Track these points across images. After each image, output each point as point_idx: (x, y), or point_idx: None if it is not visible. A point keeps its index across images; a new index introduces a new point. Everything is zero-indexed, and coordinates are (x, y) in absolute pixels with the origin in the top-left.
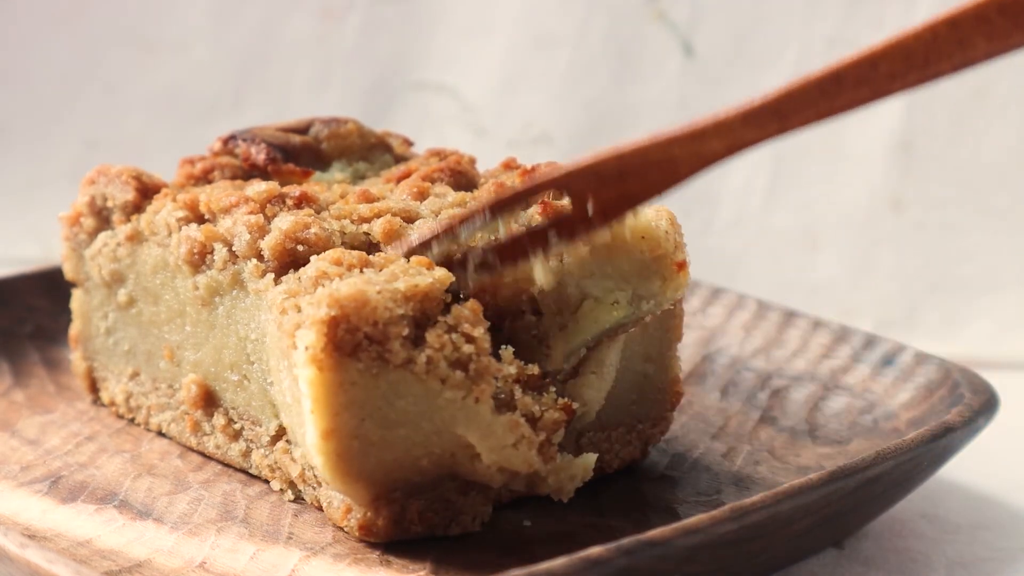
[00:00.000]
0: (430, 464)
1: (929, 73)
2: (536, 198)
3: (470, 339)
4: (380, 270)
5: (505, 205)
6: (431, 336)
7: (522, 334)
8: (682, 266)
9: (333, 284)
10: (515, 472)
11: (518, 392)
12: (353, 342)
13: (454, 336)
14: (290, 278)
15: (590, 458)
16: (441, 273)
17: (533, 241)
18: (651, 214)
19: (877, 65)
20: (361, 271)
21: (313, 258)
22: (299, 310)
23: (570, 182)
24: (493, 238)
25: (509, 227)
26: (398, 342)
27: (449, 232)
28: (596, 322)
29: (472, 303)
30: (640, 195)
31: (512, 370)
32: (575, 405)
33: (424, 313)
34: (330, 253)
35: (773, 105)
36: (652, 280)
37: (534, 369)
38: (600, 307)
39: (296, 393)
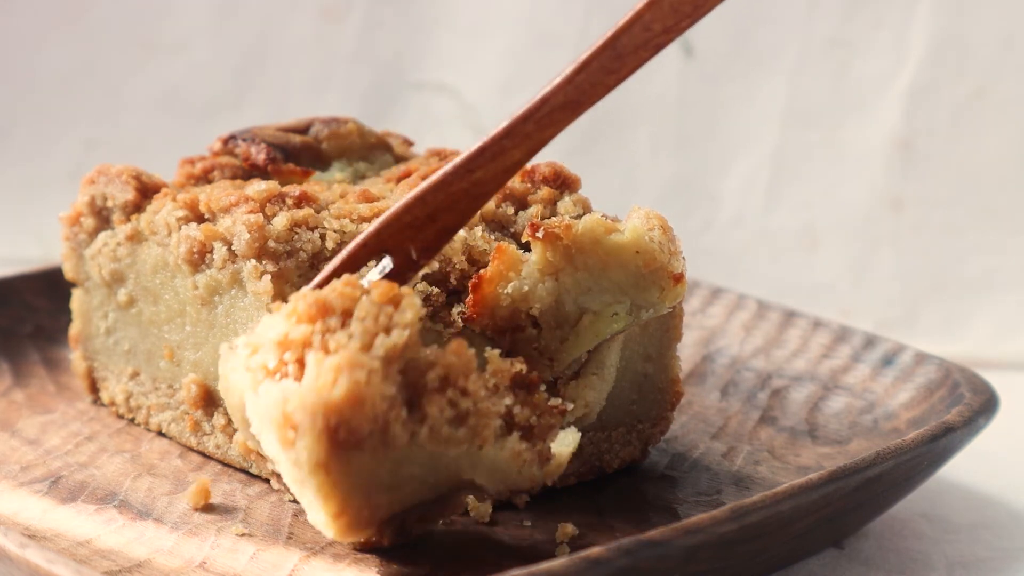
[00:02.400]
0: (434, 495)
1: (700, 14)
2: (361, 262)
3: (465, 392)
4: (343, 323)
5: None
6: (429, 406)
7: (523, 346)
8: (679, 279)
9: (313, 375)
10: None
11: (511, 402)
12: (355, 440)
13: (451, 393)
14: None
15: (570, 436)
16: (409, 314)
17: None
18: (641, 224)
19: (650, 25)
20: (332, 334)
21: (268, 317)
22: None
23: (385, 240)
24: None
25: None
26: (398, 424)
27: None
28: (597, 334)
29: (456, 344)
30: (456, 225)
31: (502, 377)
32: (568, 406)
33: (414, 376)
34: (285, 310)
35: (560, 97)
36: (650, 291)
37: (520, 365)
38: (600, 320)
39: (294, 474)
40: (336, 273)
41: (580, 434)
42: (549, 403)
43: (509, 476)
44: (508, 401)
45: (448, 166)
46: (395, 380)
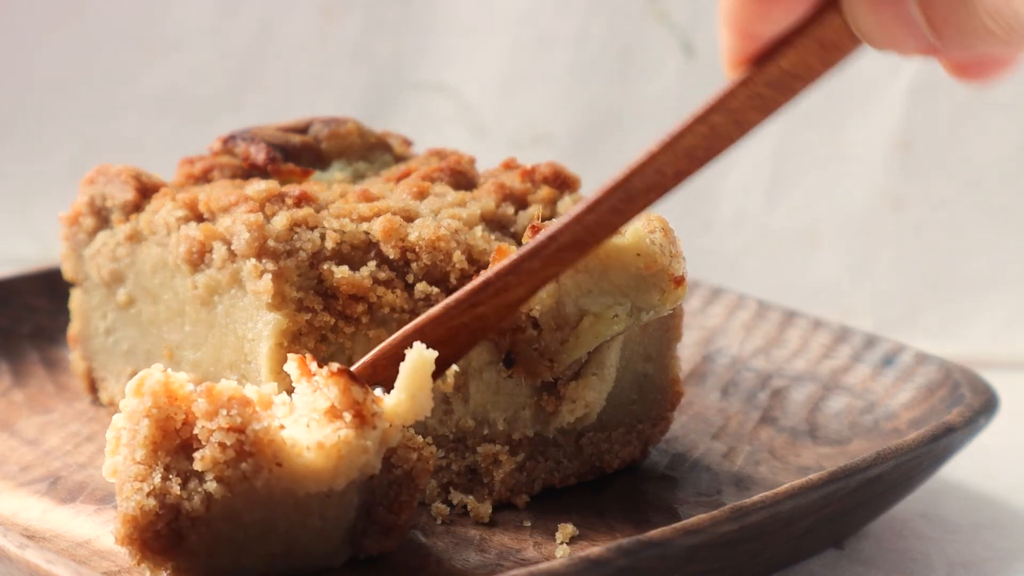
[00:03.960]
0: (300, 527)
1: (712, 157)
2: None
3: (227, 430)
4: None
5: None
6: (199, 463)
7: (524, 348)
8: (680, 282)
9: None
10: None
11: (302, 405)
12: (167, 536)
13: (211, 443)
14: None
15: (409, 358)
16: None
17: None
18: (642, 226)
19: (663, 169)
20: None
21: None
22: None
23: (380, 371)
24: None
25: None
26: (186, 503)
27: None
28: (597, 336)
29: (205, 391)
30: (453, 358)
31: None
32: (338, 367)
33: (177, 463)
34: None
35: (565, 237)
36: (650, 293)
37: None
38: (600, 322)
39: None
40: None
41: (425, 352)
42: (321, 371)
43: (336, 468)
44: (279, 411)
45: (449, 299)
46: (156, 470)
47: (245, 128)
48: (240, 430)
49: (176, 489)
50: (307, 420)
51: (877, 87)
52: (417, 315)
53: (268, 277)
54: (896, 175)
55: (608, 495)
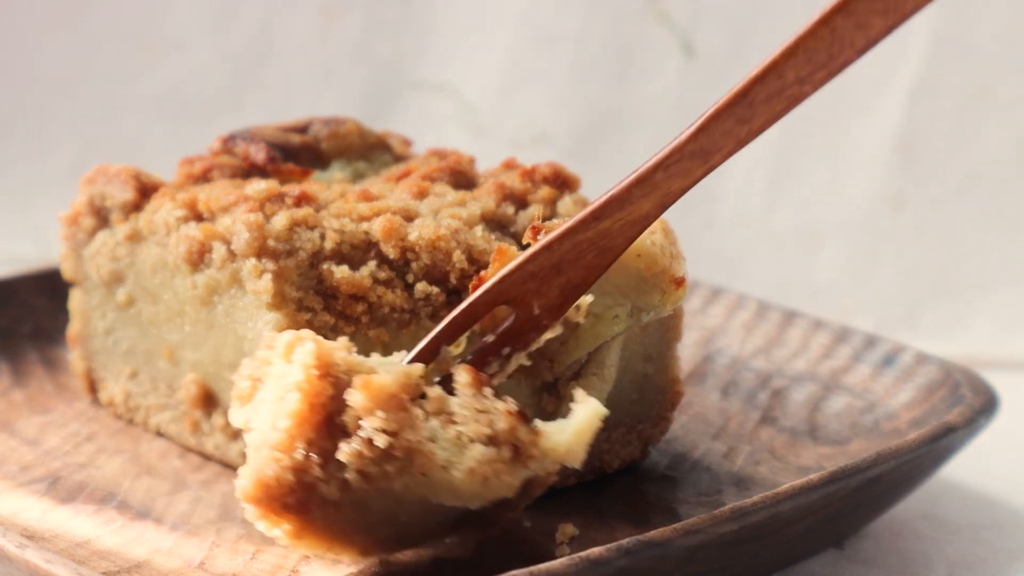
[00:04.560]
0: (423, 525)
1: (835, 67)
2: (482, 311)
3: (380, 432)
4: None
5: (454, 331)
6: (343, 454)
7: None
8: (680, 283)
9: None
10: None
11: (462, 420)
12: (294, 508)
13: (364, 432)
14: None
15: (583, 412)
16: (298, 373)
17: (487, 363)
18: None
19: (783, 74)
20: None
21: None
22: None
23: (508, 289)
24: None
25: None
26: (321, 484)
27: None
28: (597, 337)
29: (362, 381)
30: (582, 282)
31: (436, 397)
32: (513, 406)
33: (320, 441)
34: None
35: (691, 146)
36: (651, 294)
37: (458, 370)
38: (600, 322)
39: None
40: (455, 323)
41: (601, 408)
42: (497, 405)
43: (477, 492)
44: (434, 423)
45: (576, 216)
46: (300, 446)
47: (245, 128)
48: (394, 434)
49: (316, 471)
50: (463, 433)
51: (877, 87)
52: (417, 315)
53: (268, 277)
54: (896, 175)
55: (608, 495)
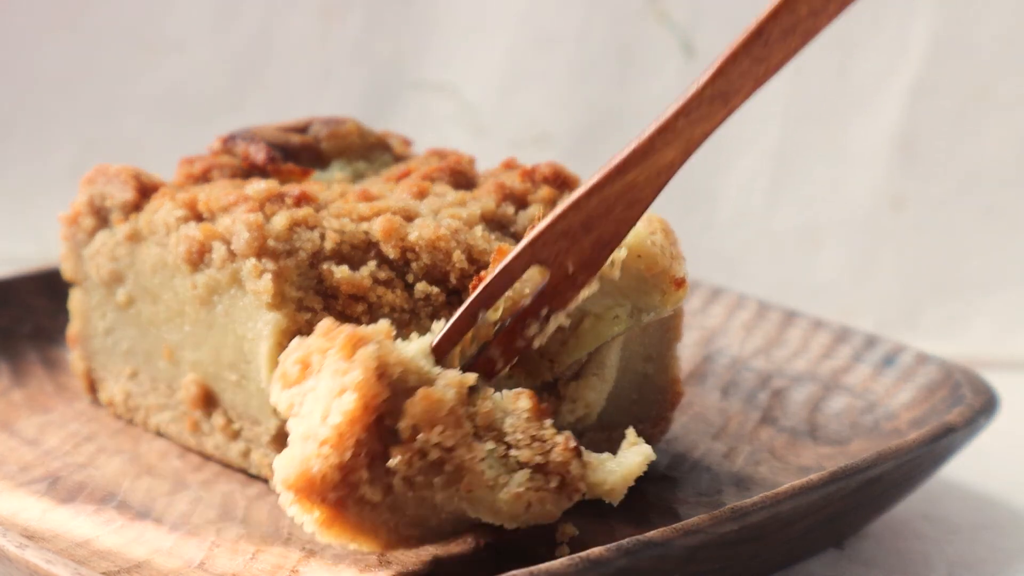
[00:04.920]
0: (452, 530)
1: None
2: (516, 274)
3: (436, 441)
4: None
5: (489, 297)
6: (395, 460)
7: None
8: (680, 283)
9: (288, 448)
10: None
11: (515, 443)
12: (332, 502)
13: (419, 443)
14: None
15: (634, 457)
16: (357, 373)
17: (526, 326)
18: (643, 228)
19: (796, 8)
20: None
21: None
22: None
23: (540, 250)
24: (494, 332)
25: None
26: (365, 485)
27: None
28: (597, 337)
29: (423, 392)
30: (614, 236)
31: (485, 418)
32: (572, 443)
33: (370, 442)
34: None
35: (710, 90)
36: (651, 294)
37: (521, 396)
38: (601, 323)
39: None
40: (491, 288)
41: (651, 453)
42: (556, 438)
43: (517, 515)
44: (491, 446)
45: (601, 169)
46: (351, 445)
47: (245, 128)
48: (449, 449)
49: (364, 474)
50: (513, 457)
51: (877, 87)
52: (417, 315)
53: (268, 277)
54: (896, 175)
55: None
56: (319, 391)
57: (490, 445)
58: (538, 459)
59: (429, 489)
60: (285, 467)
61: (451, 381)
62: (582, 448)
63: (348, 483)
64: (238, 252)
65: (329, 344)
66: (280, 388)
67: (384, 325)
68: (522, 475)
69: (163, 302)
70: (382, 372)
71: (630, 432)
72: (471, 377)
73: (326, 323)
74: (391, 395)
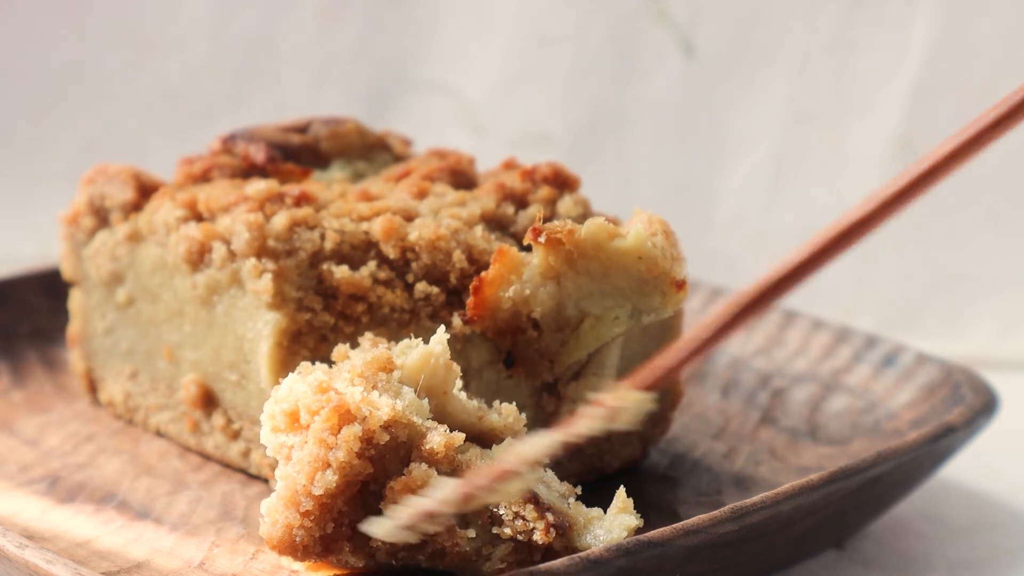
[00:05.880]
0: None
1: None
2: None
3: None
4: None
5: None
6: (377, 546)
7: (524, 348)
8: (681, 286)
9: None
10: None
11: (498, 518)
12: (317, 556)
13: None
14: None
15: (620, 527)
16: (341, 452)
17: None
18: (644, 229)
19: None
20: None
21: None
22: None
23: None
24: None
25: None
26: (348, 556)
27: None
28: (598, 338)
29: (404, 486)
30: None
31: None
32: (553, 519)
33: (352, 513)
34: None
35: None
36: (652, 296)
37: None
38: (601, 324)
39: None
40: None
41: (637, 522)
42: (538, 523)
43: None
44: (472, 534)
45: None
46: (332, 519)
47: (245, 128)
48: (432, 535)
49: (345, 545)
50: (499, 533)
51: (877, 87)
52: (417, 315)
53: (268, 276)
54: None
55: (608, 495)
56: (305, 454)
57: (472, 533)
58: (520, 538)
59: (412, 560)
60: (270, 527)
61: (438, 444)
62: (567, 517)
63: (330, 551)
64: (238, 252)
65: (318, 406)
66: (270, 431)
67: (377, 402)
68: (505, 548)
69: (163, 302)
70: (364, 450)
71: (620, 494)
72: (459, 437)
73: (316, 372)
74: (375, 470)
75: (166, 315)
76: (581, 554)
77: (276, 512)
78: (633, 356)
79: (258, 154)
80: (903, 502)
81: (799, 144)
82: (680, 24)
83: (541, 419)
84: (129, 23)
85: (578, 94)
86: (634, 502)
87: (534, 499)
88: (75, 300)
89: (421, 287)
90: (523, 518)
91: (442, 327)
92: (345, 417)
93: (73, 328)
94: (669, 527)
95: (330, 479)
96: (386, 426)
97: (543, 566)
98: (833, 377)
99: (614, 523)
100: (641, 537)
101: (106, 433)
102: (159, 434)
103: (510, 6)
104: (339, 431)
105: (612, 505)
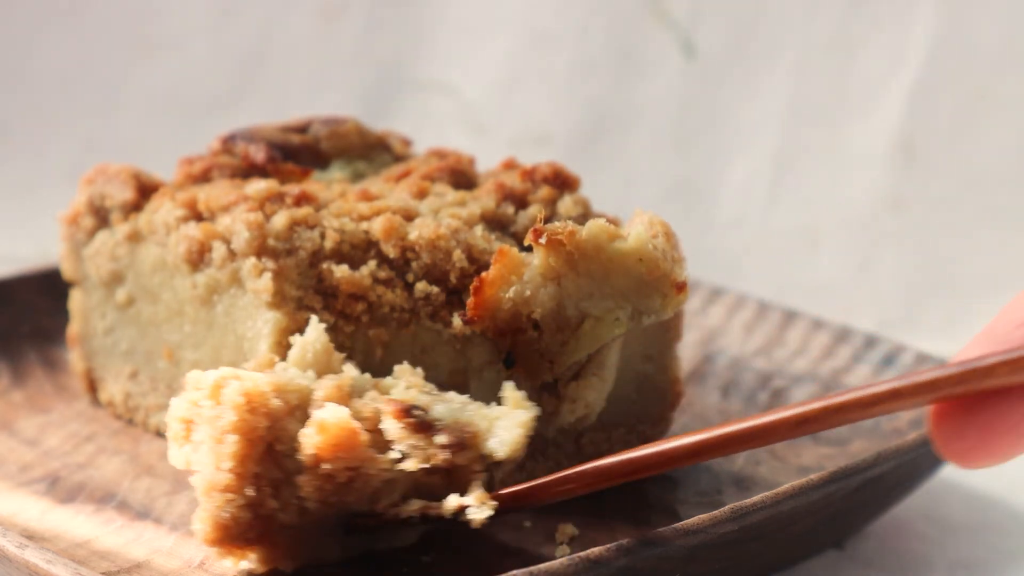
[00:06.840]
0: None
1: None
2: None
3: (343, 470)
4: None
5: None
6: (303, 485)
7: (524, 348)
8: (681, 287)
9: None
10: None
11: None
12: (257, 539)
13: (324, 468)
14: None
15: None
16: (226, 418)
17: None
18: (644, 231)
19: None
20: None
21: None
22: None
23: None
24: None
25: None
26: (280, 514)
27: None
28: (598, 339)
29: (321, 428)
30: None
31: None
32: (447, 439)
33: (267, 472)
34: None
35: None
36: (652, 298)
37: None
38: (601, 324)
39: None
40: None
41: (529, 414)
42: (431, 449)
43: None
44: (395, 455)
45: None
46: (250, 482)
47: (245, 128)
48: (354, 469)
49: (271, 502)
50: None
51: (877, 87)
52: (417, 314)
53: (268, 276)
54: (896, 175)
55: (608, 495)
56: (204, 443)
57: (394, 454)
58: (424, 466)
59: (344, 503)
60: (201, 526)
61: (329, 390)
62: (465, 429)
63: (261, 517)
64: (238, 251)
65: (199, 394)
66: (175, 448)
67: (265, 357)
68: (411, 463)
69: (163, 302)
70: (253, 406)
71: (507, 387)
72: (347, 378)
73: (194, 376)
74: (271, 423)
75: (166, 315)
76: (581, 554)
77: (202, 510)
78: (633, 356)
79: (258, 154)
80: (903, 502)
81: (799, 144)
82: (680, 24)
83: (541, 419)
84: (128, 22)
85: (578, 94)
86: (634, 502)
87: (421, 426)
88: (75, 300)
89: (421, 287)
90: (419, 448)
91: (314, 318)
92: (222, 382)
93: (73, 328)
94: (669, 527)
95: (230, 444)
96: (276, 392)
97: (543, 566)
98: (833, 377)
99: (512, 421)
100: (641, 537)
101: (106, 433)
102: (159, 434)
103: (510, 6)
104: (219, 398)
105: (505, 402)
